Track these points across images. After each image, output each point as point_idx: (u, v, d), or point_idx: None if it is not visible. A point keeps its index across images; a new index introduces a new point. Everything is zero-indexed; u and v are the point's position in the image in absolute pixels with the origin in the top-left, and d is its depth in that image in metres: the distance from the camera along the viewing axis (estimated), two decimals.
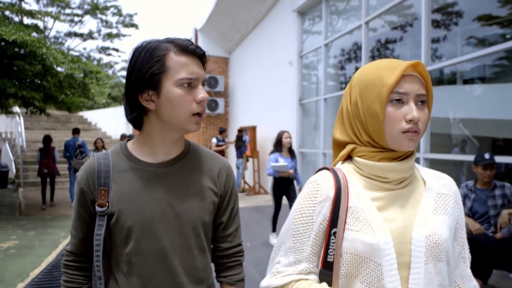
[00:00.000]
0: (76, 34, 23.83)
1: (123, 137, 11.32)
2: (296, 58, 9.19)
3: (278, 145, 5.57)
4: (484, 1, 4.60)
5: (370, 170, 1.03)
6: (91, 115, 20.30)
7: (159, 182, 1.16)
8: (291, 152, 5.61)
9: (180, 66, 1.09)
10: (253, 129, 10.88)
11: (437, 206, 1.03)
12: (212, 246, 1.30)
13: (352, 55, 7.73)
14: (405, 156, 1.03)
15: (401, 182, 1.03)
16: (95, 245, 1.15)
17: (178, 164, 1.20)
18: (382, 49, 6.94)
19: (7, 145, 13.55)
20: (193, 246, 1.18)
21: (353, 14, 7.53)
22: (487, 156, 3.54)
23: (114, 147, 1.24)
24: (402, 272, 0.95)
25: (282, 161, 5.39)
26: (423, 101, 1.00)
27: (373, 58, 6.91)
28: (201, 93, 1.11)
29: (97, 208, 1.14)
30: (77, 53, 24.30)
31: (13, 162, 12.91)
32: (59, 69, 6.98)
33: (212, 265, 1.30)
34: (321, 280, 1.02)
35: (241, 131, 11.46)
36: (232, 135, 13.33)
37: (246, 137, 10.90)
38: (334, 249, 1.00)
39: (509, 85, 4.55)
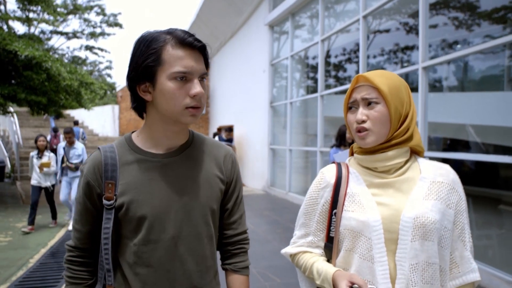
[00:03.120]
0: (60, 33, 24.07)
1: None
2: (268, 66, 10.48)
3: (343, 139, 5.02)
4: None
5: (360, 161, 1.24)
6: (78, 113, 20.85)
7: (165, 172, 1.16)
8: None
9: (174, 60, 1.07)
10: (230, 128, 12.17)
11: (429, 193, 1.14)
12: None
13: (314, 65, 9.06)
14: (384, 149, 1.18)
15: (396, 171, 1.19)
16: (104, 238, 1.14)
17: (183, 154, 1.20)
18: (336, 61, 8.28)
19: (0, 142, 14.48)
20: (203, 234, 1.18)
21: (312, 31, 8.86)
22: None
23: (118, 139, 1.23)
24: (391, 246, 1.11)
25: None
26: (376, 102, 1.16)
27: (328, 71, 8.26)
28: (196, 87, 1.08)
29: (104, 202, 1.13)
30: (61, 52, 24.62)
31: (7, 158, 13.87)
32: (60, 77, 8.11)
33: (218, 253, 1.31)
34: (325, 251, 1.25)
35: (219, 130, 12.72)
36: (212, 134, 14.58)
37: (222, 136, 11.89)
38: (334, 227, 1.21)
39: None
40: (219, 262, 1.30)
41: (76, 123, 14.97)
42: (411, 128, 1.19)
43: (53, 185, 6.59)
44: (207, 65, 1.16)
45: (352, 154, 1.32)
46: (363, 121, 1.16)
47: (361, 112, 1.17)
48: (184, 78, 1.08)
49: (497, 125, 4.42)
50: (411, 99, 1.22)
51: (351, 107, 1.22)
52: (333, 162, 1.32)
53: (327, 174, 1.27)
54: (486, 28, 4.66)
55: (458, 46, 5.05)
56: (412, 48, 5.74)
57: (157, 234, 1.13)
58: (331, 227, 1.22)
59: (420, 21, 5.00)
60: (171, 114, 1.11)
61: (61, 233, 6.22)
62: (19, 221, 7.05)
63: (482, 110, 4.66)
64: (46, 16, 11.30)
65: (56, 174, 6.66)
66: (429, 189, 1.15)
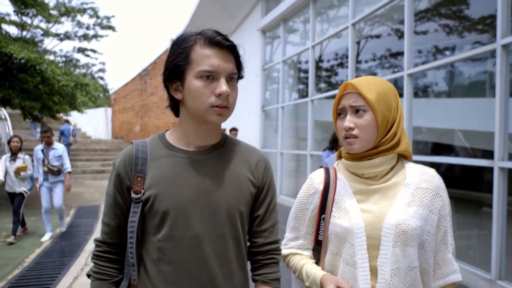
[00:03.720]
0: (52, 34, 23.97)
1: None
2: (260, 70, 10.67)
3: (336, 142, 4.93)
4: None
5: (348, 167, 1.27)
6: (71, 116, 20.94)
7: (195, 169, 1.15)
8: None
9: (202, 59, 1.08)
10: (223, 131, 12.32)
11: (412, 199, 1.17)
12: (248, 242, 1.26)
13: (305, 71, 9.26)
14: (372, 155, 1.21)
15: (382, 178, 1.22)
16: (129, 232, 1.15)
17: (215, 152, 1.19)
18: (327, 67, 8.48)
19: None
20: (228, 236, 1.15)
21: (303, 37, 9.06)
22: None
23: (152, 136, 1.24)
24: (373, 252, 1.16)
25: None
26: (364, 110, 1.19)
27: (319, 77, 8.46)
28: (221, 86, 1.08)
29: (133, 195, 1.14)
30: (53, 55, 24.58)
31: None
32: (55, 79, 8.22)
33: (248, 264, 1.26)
34: (314, 253, 1.31)
35: (223, 130, 12.86)
36: None
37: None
38: (323, 231, 1.26)
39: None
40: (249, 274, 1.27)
41: (67, 121, 15.60)
42: (398, 133, 1.22)
43: (28, 190, 6.04)
44: (239, 66, 1.16)
45: (340, 157, 1.35)
46: (351, 128, 1.19)
47: (349, 120, 1.19)
48: (210, 77, 1.09)
49: (479, 130, 4.63)
50: (398, 104, 1.24)
51: (340, 113, 1.25)
52: (321, 167, 1.35)
53: (316, 180, 1.31)
54: (470, 37, 4.87)
55: (443, 53, 5.26)
56: (398, 55, 5.94)
57: (181, 230, 1.12)
58: (320, 231, 1.26)
59: (406, 29, 5.21)
60: (198, 112, 1.12)
61: (56, 232, 6.31)
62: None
63: (464, 115, 4.87)
64: (39, 21, 11.40)
65: (32, 178, 6.09)
66: (413, 195, 1.18)
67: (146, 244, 1.16)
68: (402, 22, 5.45)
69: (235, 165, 1.20)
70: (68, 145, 13.34)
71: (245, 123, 11.65)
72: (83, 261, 4.87)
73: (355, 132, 1.18)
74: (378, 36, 6.89)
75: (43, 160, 5.82)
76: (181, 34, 1.15)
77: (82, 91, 8.87)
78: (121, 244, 1.20)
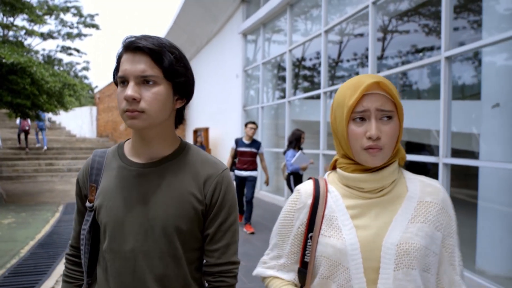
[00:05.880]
0: (34, 32, 23.78)
1: None
2: (241, 72, 11.15)
3: (298, 142, 5.78)
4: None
5: (346, 180, 1.09)
6: (59, 115, 21.00)
7: (139, 183, 1.13)
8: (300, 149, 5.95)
9: (121, 65, 1.07)
10: (206, 130, 12.78)
11: (416, 214, 1.03)
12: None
13: (283, 73, 9.78)
14: (379, 167, 1.04)
15: (381, 190, 1.05)
16: (81, 239, 1.17)
17: (163, 166, 1.15)
18: (303, 70, 9.02)
19: None
20: (165, 253, 1.11)
21: (282, 40, 9.58)
22: None
23: (114, 145, 1.25)
24: (371, 275, 1.00)
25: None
26: (390, 117, 1.01)
27: (296, 79, 8.99)
28: (126, 90, 1.02)
29: (87, 203, 1.17)
30: (35, 53, 24.49)
31: None
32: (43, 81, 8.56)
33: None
34: (299, 276, 1.14)
35: (196, 131, 13.30)
36: (189, 135, 15.14)
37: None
38: (310, 251, 1.09)
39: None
40: None
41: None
42: (400, 137, 1.07)
43: None
44: (163, 66, 1.06)
45: (333, 168, 1.19)
46: (378, 138, 0.99)
47: (377, 127, 1.00)
48: (124, 82, 1.05)
49: (435, 129, 5.22)
50: None
51: (358, 117, 1.02)
52: (310, 178, 1.19)
53: (304, 193, 1.15)
54: (421, 46, 5.47)
55: (403, 60, 5.85)
56: (366, 60, 6.50)
57: (118, 244, 1.11)
58: (306, 251, 1.11)
59: (370, 38, 5.76)
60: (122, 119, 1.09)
61: (47, 227, 6.71)
62: (4, 218, 7.47)
63: (426, 116, 5.46)
64: (21, 19, 11.63)
65: None
66: (416, 210, 1.04)
67: (100, 252, 1.19)
68: (367, 33, 6.01)
69: (182, 179, 1.14)
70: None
71: (227, 122, 12.15)
72: None
73: (382, 142, 1.00)
74: (345, 42, 7.45)
75: None
76: None
77: (70, 90, 9.22)
78: None
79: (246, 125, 6.33)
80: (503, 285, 3.66)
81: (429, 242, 1.01)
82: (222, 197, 1.17)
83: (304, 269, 1.12)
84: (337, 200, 1.09)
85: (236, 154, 6.43)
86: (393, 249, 0.99)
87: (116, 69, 1.10)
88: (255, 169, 6.35)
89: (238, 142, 6.41)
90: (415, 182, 1.09)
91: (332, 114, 1.11)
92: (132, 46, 1.05)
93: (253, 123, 6.36)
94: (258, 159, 6.46)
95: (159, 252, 1.11)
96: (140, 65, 1.04)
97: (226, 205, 1.17)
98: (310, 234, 1.10)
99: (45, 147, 15.70)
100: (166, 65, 1.06)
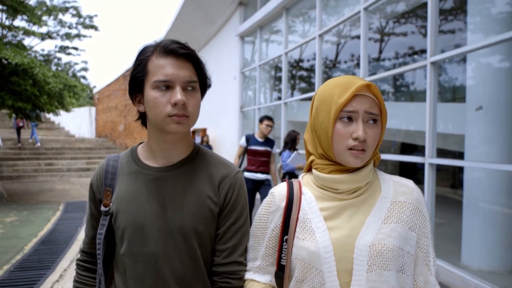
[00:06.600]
0: (34, 34, 23.80)
1: None
2: (239, 73, 11.36)
3: (293, 143, 5.56)
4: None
5: (322, 181, 1.08)
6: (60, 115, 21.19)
7: (156, 187, 1.15)
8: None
9: (157, 69, 1.07)
10: (203, 131, 13.02)
11: (389, 215, 1.03)
12: None
13: (279, 75, 9.99)
14: (356, 168, 1.04)
15: (355, 192, 1.05)
16: (97, 243, 1.19)
17: (179, 170, 1.17)
18: (299, 72, 9.23)
19: None
20: (184, 255, 1.14)
21: (278, 43, 9.79)
22: None
23: (127, 150, 1.26)
24: (345, 278, 0.99)
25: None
26: (375, 120, 1.02)
27: (293, 78, 9.20)
28: (176, 95, 1.06)
29: (102, 208, 1.18)
30: (34, 54, 24.57)
31: None
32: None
33: None
34: (276, 280, 1.13)
35: (194, 132, 13.50)
36: None
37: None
38: (286, 254, 1.09)
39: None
40: None
41: None
42: (381, 141, 1.08)
43: None
44: (201, 73, 1.14)
45: (308, 169, 1.17)
46: (364, 140, 1.00)
47: (363, 129, 1.00)
48: (167, 86, 1.08)
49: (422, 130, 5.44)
50: None
51: (345, 117, 1.02)
52: (284, 180, 1.20)
53: (278, 196, 1.14)
54: (409, 52, 5.70)
55: (392, 64, 6.07)
56: (358, 63, 6.72)
57: (139, 247, 1.13)
58: (282, 254, 1.10)
59: (361, 43, 5.97)
60: (156, 123, 1.11)
61: (49, 225, 6.90)
62: (6, 216, 7.66)
63: (420, 118, 5.67)
64: (20, 20, 11.85)
65: None
66: (389, 210, 1.04)
67: (116, 256, 1.20)
68: (358, 36, 6.22)
69: (198, 182, 1.18)
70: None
71: (225, 123, 12.36)
72: (77, 248, 5.49)
73: (366, 144, 1.01)
74: (340, 45, 7.67)
75: None
76: (142, 46, 1.15)
77: (70, 91, 9.41)
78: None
79: (261, 120, 5.43)
80: (485, 279, 3.87)
81: (403, 243, 1.01)
82: (235, 199, 1.19)
83: (281, 272, 1.11)
84: (310, 202, 1.09)
85: (244, 153, 5.52)
86: (365, 251, 0.99)
87: (142, 72, 1.11)
88: (270, 171, 5.54)
89: (250, 139, 5.48)
90: (389, 182, 1.09)
91: (314, 111, 1.09)
92: (178, 52, 1.08)
93: (270, 119, 5.42)
94: None
95: (178, 254, 1.14)
96: (186, 71, 1.09)
97: (238, 206, 1.20)
98: (285, 237, 1.10)
99: (38, 144, 16.07)
100: (204, 73, 1.16)
